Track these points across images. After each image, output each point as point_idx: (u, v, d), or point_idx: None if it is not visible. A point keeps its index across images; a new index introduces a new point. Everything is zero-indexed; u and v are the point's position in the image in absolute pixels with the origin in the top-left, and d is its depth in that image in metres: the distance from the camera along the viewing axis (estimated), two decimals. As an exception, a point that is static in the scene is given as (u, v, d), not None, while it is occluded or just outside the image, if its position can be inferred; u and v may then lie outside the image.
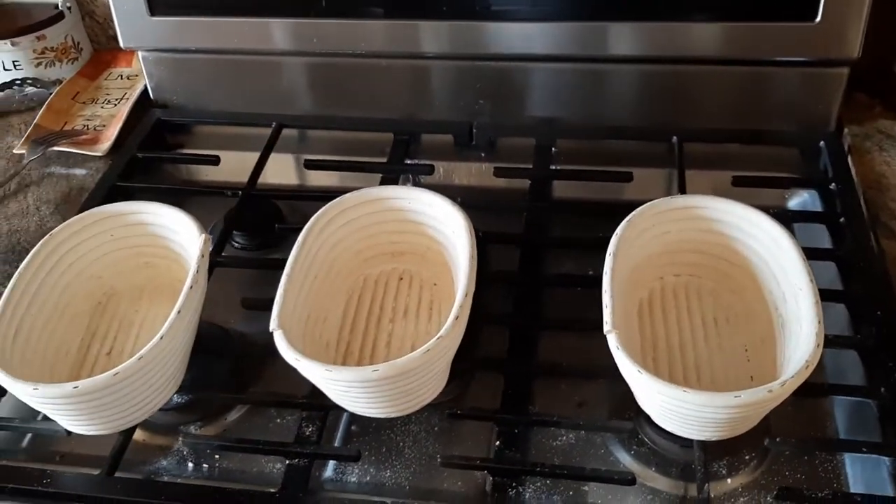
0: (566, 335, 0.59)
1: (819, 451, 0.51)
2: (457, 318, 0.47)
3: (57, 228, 0.55)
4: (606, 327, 0.46)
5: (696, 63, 0.71)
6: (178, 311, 0.49)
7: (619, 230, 0.52)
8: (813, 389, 0.51)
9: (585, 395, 0.56)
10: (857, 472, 0.50)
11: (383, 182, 0.70)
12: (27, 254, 0.54)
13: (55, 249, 0.55)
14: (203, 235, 0.53)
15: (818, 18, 0.64)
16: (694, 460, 0.48)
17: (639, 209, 0.53)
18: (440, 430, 0.55)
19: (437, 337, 0.46)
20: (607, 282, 0.48)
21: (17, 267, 0.53)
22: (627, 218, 0.52)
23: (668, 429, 0.47)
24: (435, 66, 0.75)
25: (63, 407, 0.47)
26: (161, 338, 0.47)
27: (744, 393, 0.42)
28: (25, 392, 0.46)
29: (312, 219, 0.54)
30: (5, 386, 0.47)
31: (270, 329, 0.48)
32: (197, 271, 0.51)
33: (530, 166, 0.71)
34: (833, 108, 0.71)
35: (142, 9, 0.73)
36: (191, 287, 0.50)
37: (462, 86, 0.76)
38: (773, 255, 0.52)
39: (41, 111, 0.79)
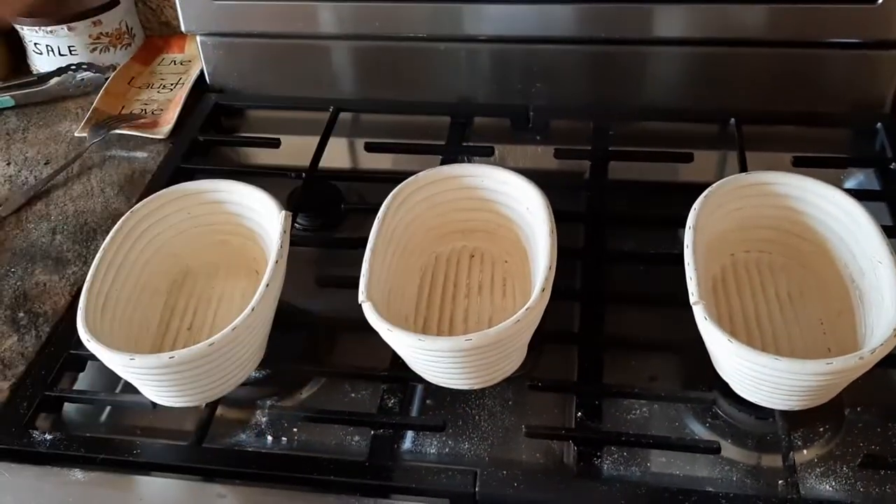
0: (632, 312, 0.60)
1: (894, 422, 0.52)
2: (543, 289, 0.48)
3: (137, 206, 0.56)
4: (693, 298, 0.47)
5: (751, 45, 0.72)
6: (267, 284, 0.50)
7: (696, 205, 0.52)
8: (890, 360, 0.52)
9: (655, 370, 0.57)
10: (932, 443, 0.51)
11: (443, 164, 0.70)
12: (96, 234, 0.55)
13: (136, 226, 0.56)
14: (283, 212, 0.54)
15: (880, 1, 0.65)
16: (774, 431, 0.49)
17: (715, 184, 0.54)
18: (514, 403, 0.56)
19: (525, 308, 0.46)
20: (689, 255, 0.49)
21: (86, 246, 0.54)
22: (705, 193, 0.53)
23: (753, 399, 0.48)
24: (490, 49, 0.76)
25: (157, 378, 0.47)
26: (252, 309, 0.48)
27: (835, 360, 0.43)
28: (121, 363, 0.47)
29: (390, 195, 0.55)
30: (100, 357, 0.47)
31: (360, 301, 0.49)
32: (281, 246, 0.52)
33: (588, 148, 0.71)
34: (889, 90, 0.72)
35: (204, -7, 0.74)
36: (276, 261, 0.51)
37: (516, 69, 0.76)
38: (847, 230, 0.52)
39: (99, 95, 0.80)
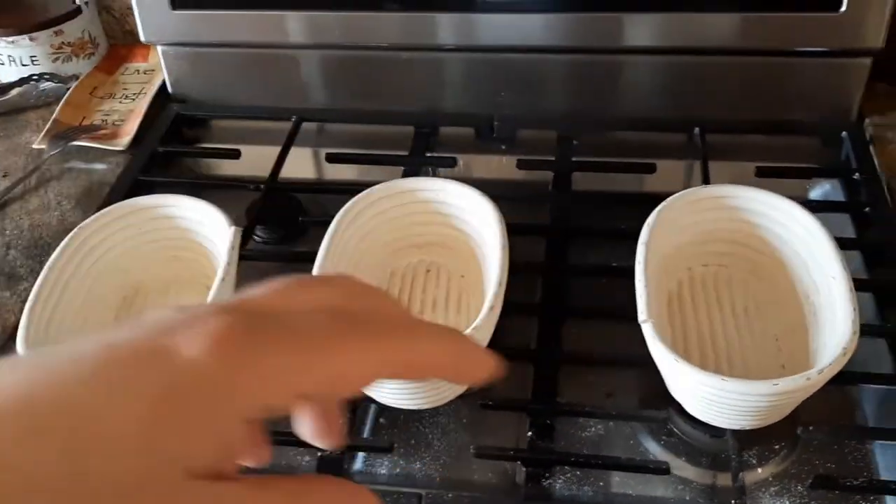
0: (592, 327, 0.59)
1: (850, 440, 0.51)
2: (491, 307, 0.47)
3: (86, 221, 0.55)
4: (642, 317, 0.46)
5: (717, 53, 0.71)
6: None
7: (650, 219, 0.52)
8: (844, 377, 0.51)
9: (613, 386, 0.56)
10: (888, 461, 0.50)
11: (405, 176, 0.70)
12: (50, 248, 0.54)
13: (85, 241, 0.55)
14: (233, 228, 0.53)
15: (843, 8, 0.64)
16: (727, 449, 0.48)
17: (669, 199, 0.53)
18: (468, 421, 0.55)
19: (472, 327, 0.46)
20: (640, 271, 0.48)
21: (40, 261, 0.54)
22: (658, 208, 0.52)
23: (703, 418, 0.47)
24: (455, 58, 0.75)
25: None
26: (194, 330, 0.47)
27: (782, 380, 0.42)
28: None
29: (342, 210, 0.54)
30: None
31: (304, 320, 0.48)
32: (228, 263, 0.51)
33: (552, 158, 0.71)
34: (855, 98, 0.71)
35: (163, 3, 0.73)
36: (223, 279, 0.50)
37: (483, 78, 0.76)
38: (804, 244, 0.52)
39: (60, 106, 0.79)
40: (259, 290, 0.27)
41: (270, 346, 0.24)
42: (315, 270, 0.51)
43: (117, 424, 0.21)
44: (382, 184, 0.56)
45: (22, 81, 0.82)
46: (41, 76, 0.83)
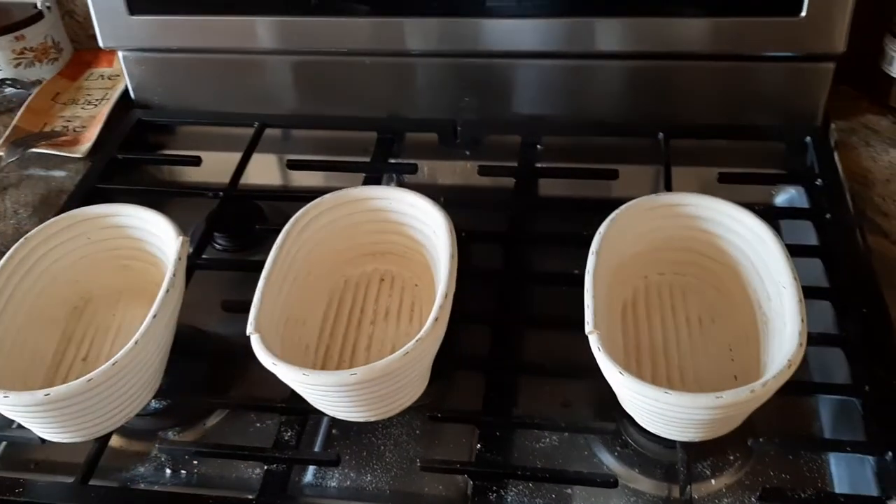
0: (550, 335, 0.58)
1: (803, 451, 0.51)
2: (436, 319, 0.46)
3: (32, 232, 0.54)
4: (588, 328, 0.45)
5: (682, 58, 0.71)
6: (154, 315, 0.48)
7: (602, 228, 0.51)
8: (797, 388, 0.50)
9: (570, 395, 0.56)
10: (843, 472, 0.50)
11: (367, 182, 0.69)
12: (2, 258, 0.53)
13: (30, 253, 0.54)
14: (180, 238, 0.53)
15: (803, 13, 0.64)
16: (677, 461, 0.47)
17: (622, 207, 0.52)
18: (422, 432, 0.54)
19: (415, 339, 0.45)
20: (589, 281, 0.48)
21: (-8, 272, 0.53)
22: (610, 216, 0.52)
23: (651, 430, 0.46)
24: (419, 63, 0.74)
25: (35, 415, 0.46)
26: (136, 342, 0.46)
27: (725, 394, 0.41)
28: (-3, 400, 0.45)
29: (291, 220, 0.54)
30: (-24, 393, 0.46)
31: (247, 333, 0.47)
32: (174, 274, 0.50)
33: (515, 164, 0.70)
34: (819, 102, 0.70)
35: (121, 8, 0.72)
36: (167, 291, 0.49)
37: (447, 83, 0.75)
38: (757, 253, 0.51)
39: (20, 112, 0.78)
40: None
41: None
42: (261, 282, 0.50)
43: None
44: (333, 193, 0.55)
45: (-17, 87, 0.81)
46: (3, 81, 0.82)
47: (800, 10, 0.64)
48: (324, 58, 0.75)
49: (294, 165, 0.72)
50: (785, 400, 0.52)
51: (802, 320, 0.44)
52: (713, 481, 0.50)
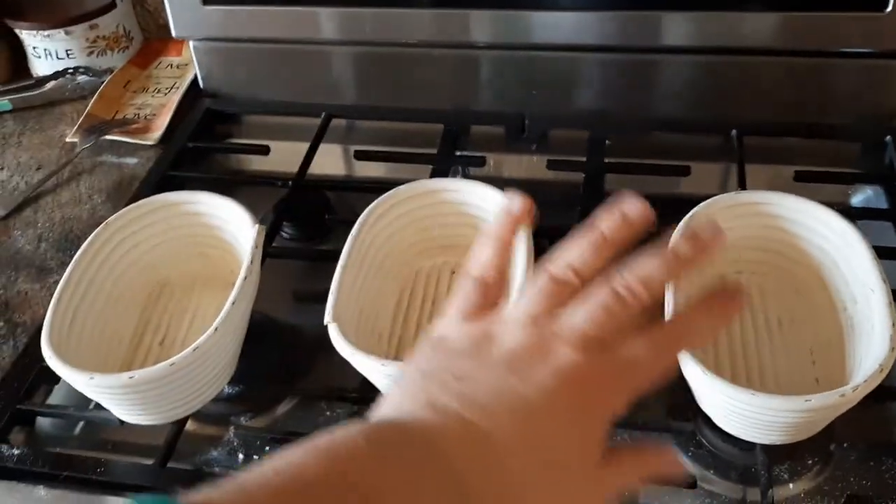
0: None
1: (886, 458, 0.50)
2: (514, 313, 0.46)
3: (113, 217, 0.55)
4: (668, 326, 0.45)
5: (756, 54, 0.69)
6: (233, 302, 0.48)
7: (680, 226, 0.50)
8: (882, 394, 0.49)
9: (644, 395, 0.55)
10: (927, 481, 0.49)
11: (433, 174, 0.69)
12: (80, 242, 0.54)
13: (111, 237, 0.55)
14: (257, 226, 0.53)
15: (889, 9, 0.62)
16: (756, 464, 0.47)
17: (701, 205, 0.52)
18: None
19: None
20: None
21: (70, 255, 0.54)
22: (689, 213, 0.51)
23: (732, 432, 0.46)
24: (486, 56, 0.74)
25: (119, 396, 0.47)
26: (216, 329, 0.47)
27: (814, 397, 0.40)
28: (82, 381, 0.46)
29: (366, 211, 0.54)
30: (62, 375, 0.47)
31: (325, 322, 0.47)
32: (251, 262, 0.51)
33: (583, 159, 0.69)
34: (899, 101, 0.69)
35: (195, -2, 0.73)
36: (245, 278, 0.50)
37: (513, 77, 0.75)
38: (841, 254, 0.50)
39: (93, 100, 0.80)
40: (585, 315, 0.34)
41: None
42: (338, 271, 0.50)
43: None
44: (407, 184, 0.55)
45: (57, 75, 0.83)
46: (76, 69, 0.83)
47: (885, 6, 0.62)
48: (391, 49, 0.75)
49: (362, 156, 0.72)
50: (866, 405, 0.51)
51: (893, 324, 0.43)
52: (791, 485, 0.49)
